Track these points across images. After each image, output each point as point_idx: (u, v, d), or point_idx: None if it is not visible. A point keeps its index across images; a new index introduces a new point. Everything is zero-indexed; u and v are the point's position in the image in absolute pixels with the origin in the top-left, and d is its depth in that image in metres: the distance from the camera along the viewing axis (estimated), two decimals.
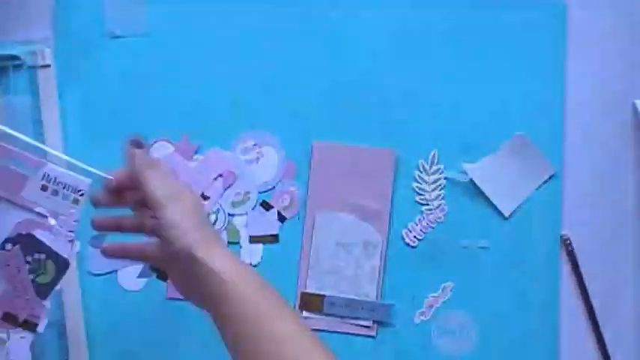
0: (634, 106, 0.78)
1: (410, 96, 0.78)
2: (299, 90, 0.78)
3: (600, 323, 0.77)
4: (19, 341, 0.75)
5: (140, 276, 0.76)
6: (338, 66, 0.78)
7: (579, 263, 0.77)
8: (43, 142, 0.75)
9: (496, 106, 0.78)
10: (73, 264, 0.75)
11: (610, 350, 0.77)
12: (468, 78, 0.78)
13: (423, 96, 0.78)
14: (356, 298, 0.76)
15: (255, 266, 0.77)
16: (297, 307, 0.76)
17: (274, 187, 0.78)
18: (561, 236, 0.78)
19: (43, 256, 0.69)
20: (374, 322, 0.77)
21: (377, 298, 0.77)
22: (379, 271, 0.77)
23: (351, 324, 0.77)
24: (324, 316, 0.77)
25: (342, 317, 0.76)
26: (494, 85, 0.78)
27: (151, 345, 0.77)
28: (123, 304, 0.77)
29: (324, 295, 0.76)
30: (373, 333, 0.77)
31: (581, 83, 0.78)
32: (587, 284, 0.77)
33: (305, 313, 0.77)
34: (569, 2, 0.78)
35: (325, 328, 0.77)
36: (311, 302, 0.76)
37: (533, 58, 0.78)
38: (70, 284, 0.75)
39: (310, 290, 0.76)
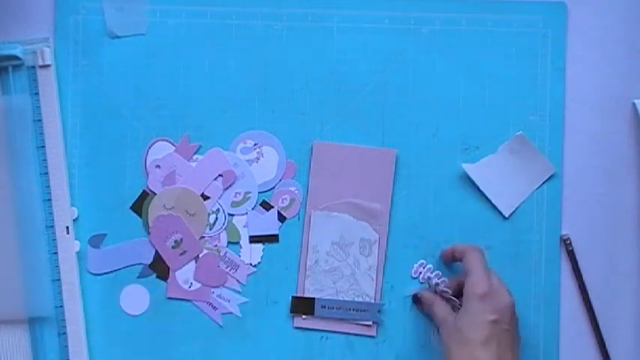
0: (634, 106, 0.78)
1: (409, 96, 0.78)
2: (299, 90, 0.78)
3: (600, 323, 0.77)
4: (19, 339, 0.75)
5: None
6: (338, 66, 0.78)
7: (579, 263, 0.77)
8: (43, 142, 0.75)
9: (496, 106, 0.78)
10: (73, 263, 0.75)
11: (610, 350, 0.77)
12: (467, 78, 0.78)
13: (422, 96, 0.78)
14: (355, 298, 0.76)
15: (254, 266, 0.77)
16: (290, 310, 0.77)
17: (274, 187, 0.78)
18: (561, 236, 0.78)
19: None
20: (374, 322, 0.77)
21: (376, 297, 0.77)
22: (377, 270, 0.77)
23: (351, 324, 0.77)
24: (323, 319, 0.77)
25: (338, 319, 0.76)
26: (495, 85, 0.78)
27: (151, 343, 0.77)
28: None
29: (313, 299, 0.76)
30: (373, 333, 0.77)
31: (581, 83, 0.78)
32: (587, 284, 0.77)
33: (303, 315, 0.76)
34: (569, 2, 0.78)
35: (325, 329, 0.77)
36: (302, 306, 0.76)
37: (534, 58, 0.78)
38: (70, 283, 0.75)
39: (306, 292, 0.76)
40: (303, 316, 0.77)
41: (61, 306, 0.75)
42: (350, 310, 0.76)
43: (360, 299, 0.76)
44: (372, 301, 0.77)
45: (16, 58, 0.75)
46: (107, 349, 0.76)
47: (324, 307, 0.76)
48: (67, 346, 0.75)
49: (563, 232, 0.78)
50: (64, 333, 0.75)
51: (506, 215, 0.77)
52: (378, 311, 0.76)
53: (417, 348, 0.77)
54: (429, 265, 0.77)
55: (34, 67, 0.76)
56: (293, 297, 0.76)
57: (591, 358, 0.78)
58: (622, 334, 0.78)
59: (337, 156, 0.77)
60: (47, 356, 0.75)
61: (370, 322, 0.77)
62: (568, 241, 0.77)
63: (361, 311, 0.76)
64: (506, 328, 0.68)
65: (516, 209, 0.77)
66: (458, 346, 0.67)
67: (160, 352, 0.77)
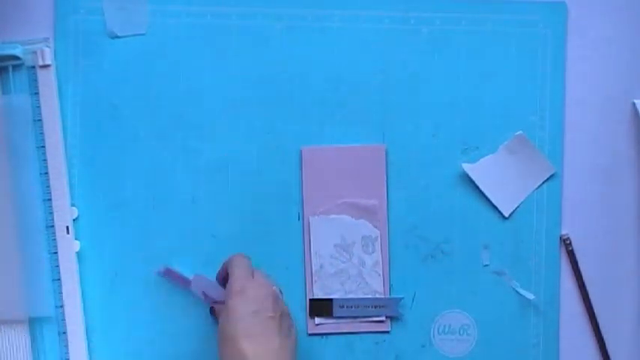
0: (634, 106, 0.78)
1: (409, 96, 0.78)
2: (299, 90, 0.77)
3: (600, 323, 0.77)
4: (19, 339, 0.75)
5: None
6: (338, 66, 0.78)
7: (579, 263, 0.77)
8: (42, 142, 0.75)
9: (496, 106, 0.78)
10: (74, 263, 0.75)
11: (610, 350, 0.77)
12: (467, 78, 0.78)
13: (422, 96, 0.78)
14: (364, 296, 0.76)
15: None
16: (307, 314, 0.77)
17: None
18: (561, 236, 0.78)
19: None
20: (387, 316, 0.77)
21: (385, 293, 0.77)
22: (383, 265, 0.77)
23: (365, 322, 0.77)
24: (335, 320, 0.77)
25: (354, 317, 0.76)
26: (495, 85, 0.78)
27: (150, 343, 0.77)
28: (123, 302, 0.77)
29: (331, 299, 0.76)
30: (388, 328, 0.77)
31: (581, 83, 0.78)
32: (587, 284, 0.77)
33: (317, 320, 0.76)
34: (569, 2, 0.78)
35: (338, 331, 0.77)
36: (320, 308, 0.76)
37: (533, 58, 0.78)
38: (70, 283, 0.75)
39: (319, 296, 0.76)
40: (316, 321, 0.76)
41: (61, 306, 0.75)
42: (370, 307, 0.76)
43: (370, 296, 0.76)
44: (382, 296, 0.76)
45: (16, 58, 0.75)
46: (107, 348, 0.76)
47: (343, 306, 0.76)
48: (67, 346, 0.75)
49: (563, 232, 0.78)
50: (64, 333, 0.75)
51: (506, 215, 0.77)
52: (397, 306, 0.76)
53: (417, 348, 0.77)
54: None
55: (34, 67, 0.76)
56: (311, 299, 0.76)
57: (591, 358, 0.78)
58: (622, 334, 0.78)
59: (327, 158, 0.77)
60: (47, 356, 0.75)
61: (384, 318, 0.76)
62: (568, 241, 0.77)
63: (381, 307, 0.76)
64: (270, 315, 0.66)
65: (516, 209, 0.77)
66: (223, 344, 0.66)
67: (160, 352, 0.77)
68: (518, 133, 0.77)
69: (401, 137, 0.78)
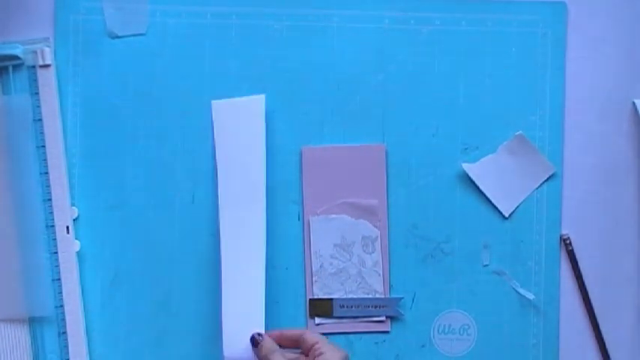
0: (634, 106, 0.78)
1: (409, 96, 0.78)
2: (299, 90, 0.77)
3: (600, 323, 0.77)
4: (19, 339, 0.75)
5: None
6: (338, 66, 0.78)
7: (579, 263, 0.77)
8: (43, 142, 0.75)
9: (496, 106, 0.78)
10: (74, 263, 0.75)
11: (610, 350, 0.77)
12: (467, 78, 0.78)
13: (422, 96, 0.78)
14: (364, 296, 0.76)
15: None
16: (307, 314, 0.77)
17: None
18: (561, 236, 0.78)
19: None
20: (387, 316, 0.77)
21: (385, 292, 0.77)
22: (382, 265, 0.77)
23: (365, 322, 0.77)
24: (335, 320, 0.77)
25: (354, 317, 0.76)
26: (495, 85, 0.78)
27: (150, 343, 0.77)
28: (123, 302, 0.77)
29: (331, 299, 0.76)
30: (388, 328, 0.77)
31: (580, 83, 0.78)
32: (587, 284, 0.77)
33: (317, 320, 0.77)
34: (569, 2, 0.78)
35: (338, 331, 0.77)
36: (320, 307, 0.76)
37: (533, 58, 0.78)
38: (70, 283, 0.75)
39: (319, 296, 0.76)
40: (316, 321, 0.76)
41: (61, 306, 0.75)
42: (369, 307, 0.76)
43: (370, 296, 0.76)
44: (382, 296, 0.77)
45: (16, 57, 0.75)
46: (107, 349, 0.77)
47: (343, 306, 0.76)
48: (67, 346, 0.75)
49: (563, 232, 0.78)
50: (64, 333, 0.75)
51: (506, 215, 0.77)
52: (397, 306, 0.76)
53: (417, 348, 0.77)
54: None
55: (34, 66, 0.76)
56: (311, 299, 0.76)
57: (591, 358, 0.78)
58: (622, 334, 0.78)
59: (327, 158, 0.77)
60: (47, 356, 0.75)
61: (384, 318, 0.76)
62: (568, 241, 0.77)
63: (381, 307, 0.76)
64: None
65: (516, 209, 0.78)
66: None
67: (160, 352, 0.77)
68: (518, 133, 0.77)
69: (401, 137, 0.78)
